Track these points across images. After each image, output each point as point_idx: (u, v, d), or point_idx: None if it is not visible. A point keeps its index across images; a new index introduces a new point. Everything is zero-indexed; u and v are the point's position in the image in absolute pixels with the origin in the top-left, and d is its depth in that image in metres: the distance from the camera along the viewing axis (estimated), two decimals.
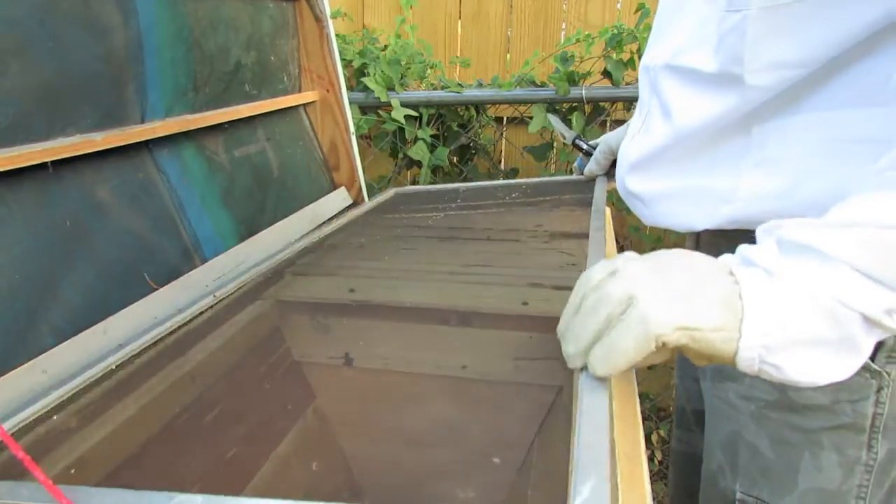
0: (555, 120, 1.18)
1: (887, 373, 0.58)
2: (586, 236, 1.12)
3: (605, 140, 1.05)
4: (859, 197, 0.44)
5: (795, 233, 0.45)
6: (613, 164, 1.05)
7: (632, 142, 0.72)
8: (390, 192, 1.39)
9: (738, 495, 0.70)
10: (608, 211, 1.23)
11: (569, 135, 1.14)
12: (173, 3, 0.88)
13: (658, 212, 0.68)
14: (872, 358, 0.57)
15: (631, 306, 0.44)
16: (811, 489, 0.64)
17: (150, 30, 0.84)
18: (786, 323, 0.42)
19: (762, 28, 0.51)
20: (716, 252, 0.71)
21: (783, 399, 0.63)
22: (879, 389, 0.58)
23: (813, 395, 0.60)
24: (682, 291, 0.44)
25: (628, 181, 0.71)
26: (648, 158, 0.67)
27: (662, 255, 0.49)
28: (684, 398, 0.94)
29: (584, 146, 1.11)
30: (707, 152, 0.61)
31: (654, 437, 1.86)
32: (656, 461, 1.82)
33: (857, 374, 0.57)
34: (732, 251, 0.50)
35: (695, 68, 0.59)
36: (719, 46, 0.55)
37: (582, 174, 1.14)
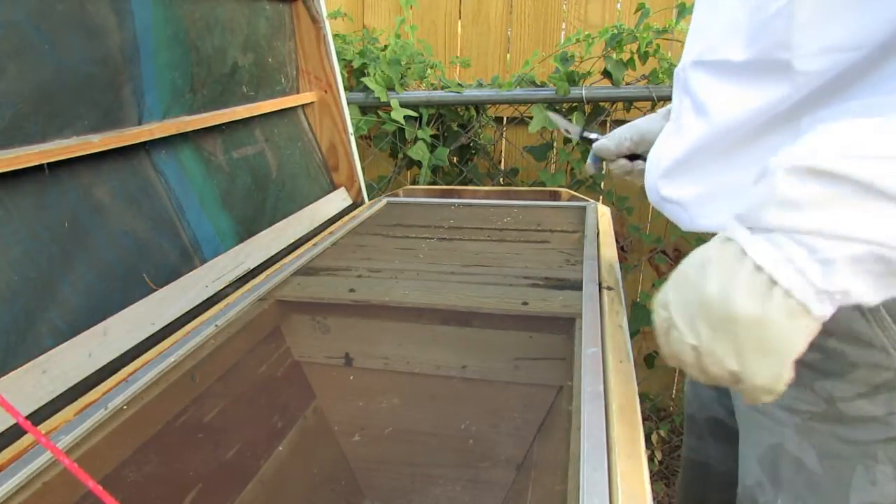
0: (555, 117, 1.06)
1: None
2: (584, 234, 1.12)
3: (635, 124, 0.91)
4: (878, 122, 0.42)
5: (831, 163, 0.41)
6: (629, 157, 0.91)
7: (664, 145, 0.69)
8: (382, 202, 1.39)
9: None
10: (608, 211, 1.23)
11: (574, 130, 1.01)
12: (169, 5, 0.89)
13: (700, 214, 0.63)
14: None
15: (739, 382, 0.46)
16: None
17: (146, 32, 0.84)
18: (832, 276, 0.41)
19: (812, 10, 0.49)
20: None
21: (832, 411, 0.60)
22: None
23: (865, 406, 0.58)
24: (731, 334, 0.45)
25: (663, 187, 0.67)
26: (684, 160, 0.63)
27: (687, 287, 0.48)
28: (696, 405, 0.91)
29: (594, 136, 0.97)
30: (752, 146, 0.57)
31: (654, 437, 1.85)
32: (656, 461, 1.82)
33: None
34: None
35: (727, 59, 0.56)
36: (759, 33, 0.52)
37: (592, 172, 1.01)
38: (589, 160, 0.96)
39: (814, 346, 0.54)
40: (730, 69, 0.56)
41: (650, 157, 0.72)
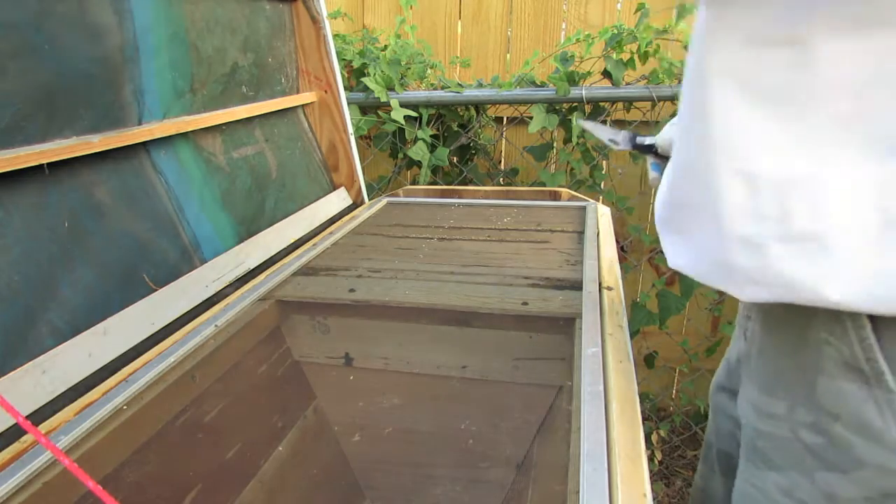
0: (592, 125, 0.86)
1: None
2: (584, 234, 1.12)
3: None
4: None
5: None
6: None
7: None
8: (382, 202, 1.39)
9: None
10: (608, 211, 1.23)
11: (621, 137, 0.82)
12: (169, 5, 0.89)
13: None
14: None
15: None
16: None
17: (146, 32, 0.84)
18: None
19: None
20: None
21: None
22: None
23: None
24: None
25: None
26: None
27: None
28: (713, 434, 0.85)
29: (649, 141, 0.80)
30: None
31: (654, 437, 1.85)
32: (656, 461, 1.82)
33: None
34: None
35: None
36: None
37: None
38: (652, 170, 0.80)
39: (817, 427, 0.50)
40: None
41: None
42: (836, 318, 0.47)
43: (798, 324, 0.50)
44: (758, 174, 0.44)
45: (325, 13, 1.25)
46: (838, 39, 0.40)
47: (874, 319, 0.45)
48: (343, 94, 1.31)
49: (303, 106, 1.29)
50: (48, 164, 0.69)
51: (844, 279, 0.43)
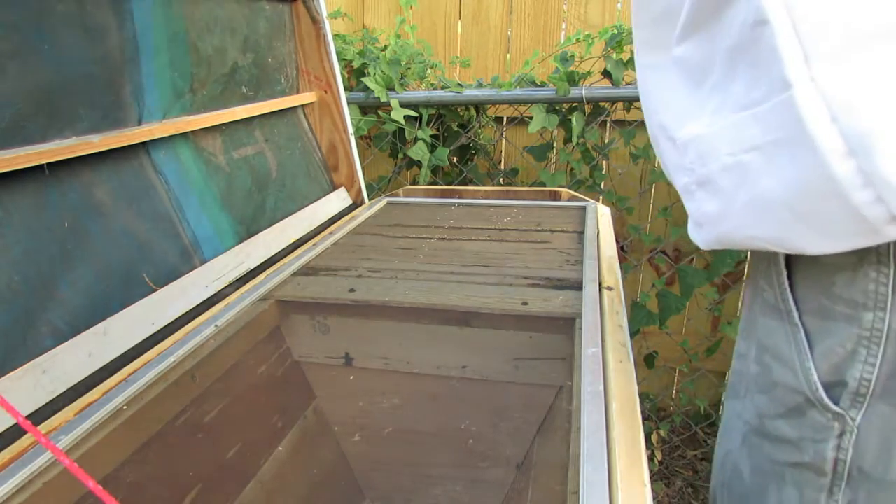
0: None
1: (851, 417, 0.53)
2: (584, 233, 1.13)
3: None
4: None
5: None
6: None
7: None
8: (382, 202, 1.39)
9: None
10: (608, 211, 1.24)
11: None
12: (169, 5, 0.89)
13: None
14: (836, 400, 0.53)
15: None
16: None
17: (146, 32, 0.84)
18: None
19: None
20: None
21: (761, 426, 0.61)
22: (841, 434, 0.53)
23: (783, 427, 0.58)
24: None
25: None
26: None
27: None
28: None
29: None
30: None
31: (654, 437, 1.85)
32: (656, 461, 1.82)
33: (820, 413, 0.54)
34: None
35: None
36: None
37: None
38: None
39: (758, 359, 0.61)
40: None
41: None
42: (768, 267, 0.57)
43: (753, 277, 0.62)
44: (675, 137, 0.57)
45: (325, 13, 1.25)
46: (688, 41, 0.55)
47: (790, 266, 0.55)
48: (343, 94, 1.31)
49: (303, 106, 1.29)
50: (48, 164, 0.69)
51: (734, 213, 0.52)
